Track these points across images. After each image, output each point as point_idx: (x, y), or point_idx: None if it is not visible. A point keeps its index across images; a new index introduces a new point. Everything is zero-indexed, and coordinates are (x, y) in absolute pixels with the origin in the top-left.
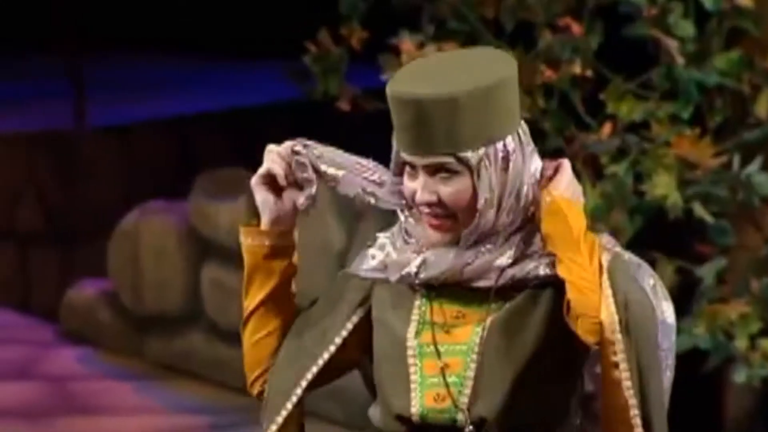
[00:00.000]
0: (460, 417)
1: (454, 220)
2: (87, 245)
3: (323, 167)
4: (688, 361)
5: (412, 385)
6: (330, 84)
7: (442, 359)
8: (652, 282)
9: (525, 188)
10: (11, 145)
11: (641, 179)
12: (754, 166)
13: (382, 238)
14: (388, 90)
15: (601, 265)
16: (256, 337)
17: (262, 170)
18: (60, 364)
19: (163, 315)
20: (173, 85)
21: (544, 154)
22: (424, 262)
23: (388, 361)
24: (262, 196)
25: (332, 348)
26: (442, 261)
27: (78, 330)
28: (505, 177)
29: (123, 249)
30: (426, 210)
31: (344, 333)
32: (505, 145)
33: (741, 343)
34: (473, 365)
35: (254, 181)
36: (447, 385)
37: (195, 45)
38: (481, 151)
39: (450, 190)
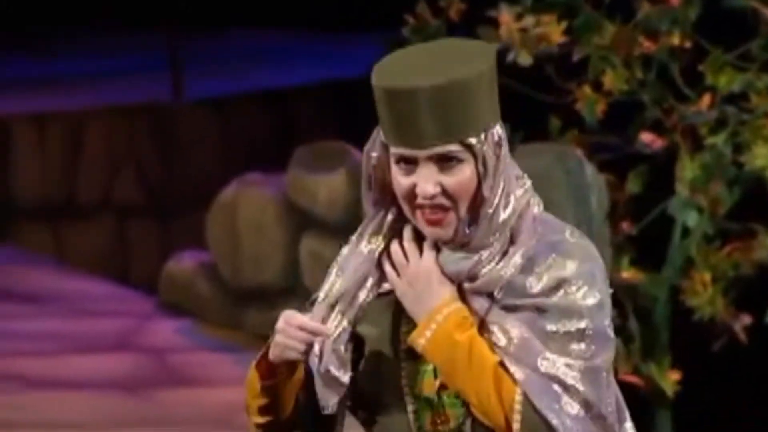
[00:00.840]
0: None
1: (454, 214)
2: (186, 217)
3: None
4: None
5: (408, 407)
6: None
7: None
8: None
9: (510, 184)
10: (110, 119)
11: (740, 150)
12: None
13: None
14: (382, 84)
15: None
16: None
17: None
18: (159, 336)
19: (262, 287)
20: (271, 58)
21: (643, 125)
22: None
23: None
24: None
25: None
26: (459, 266)
27: (177, 302)
28: (497, 164)
29: (221, 221)
30: (426, 203)
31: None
32: (497, 132)
33: None
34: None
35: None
36: (444, 408)
37: (293, 17)
38: (482, 136)
39: (455, 179)
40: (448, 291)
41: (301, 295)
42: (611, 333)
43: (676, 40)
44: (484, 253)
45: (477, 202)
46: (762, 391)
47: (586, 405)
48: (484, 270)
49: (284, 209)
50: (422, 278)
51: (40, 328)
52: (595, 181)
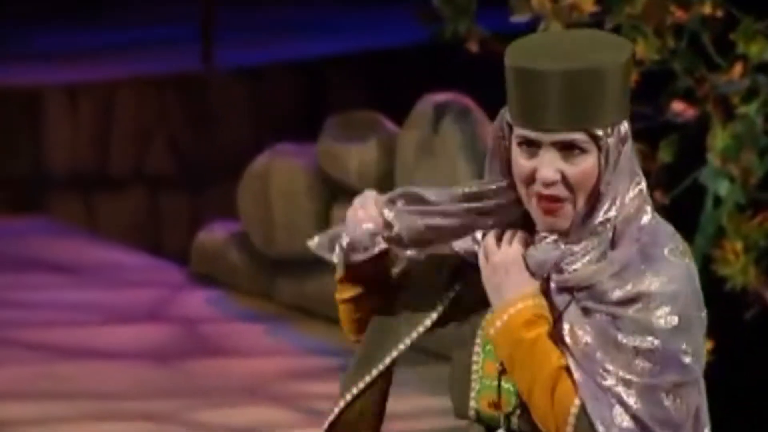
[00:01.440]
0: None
1: (571, 205)
2: (217, 187)
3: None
4: None
5: (473, 384)
6: (459, 26)
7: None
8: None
9: (628, 184)
10: (141, 89)
11: None
12: None
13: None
14: (515, 64)
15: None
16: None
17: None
18: (191, 306)
19: (294, 257)
20: (302, 28)
21: (675, 95)
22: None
23: (459, 349)
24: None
25: (427, 323)
26: (548, 255)
27: (209, 272)
28: (618, 160)
29: (253, 191)
30: (544, 191)
31: (440, 308)
32: (624, 127)
33: None
34: None
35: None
36: (500, 393)
37: None
38: (609, 129)
39: (576, 168)
40: (528, 285)
41: (332, 265)
42: (687, 360)
43: (707, 9)
44: (576, 248)
45: (594, 196)
46: None
47: (637, 421)
48: (576, 266)
49: (316, 179)
50: (505, 268)
51: (72, 299)
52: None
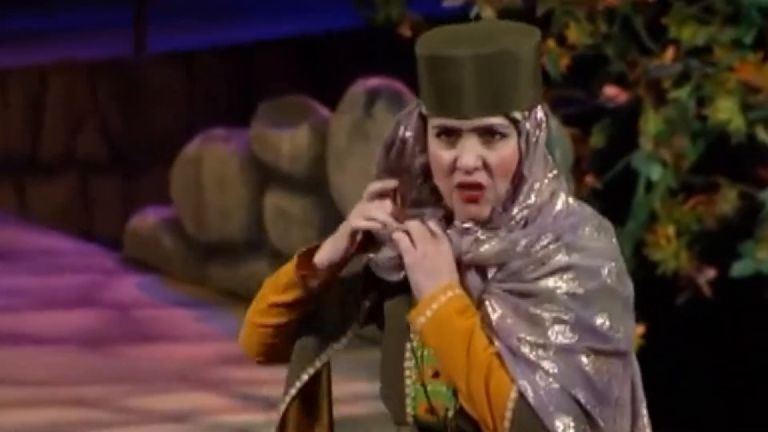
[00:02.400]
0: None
1: (492, 192)
2: (149, 172)
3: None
4: (750, 286)
5: (407, 390)
6: (392, 10)
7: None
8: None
9: (544, 170)
10: (73, 74)
11: (704, 104)
12: None
13: None
14: (427, 52)
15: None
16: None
17: (365, 223)
18: (123, 292)
19: (226, 242)
20: (235, 12)
21: (607, 79)
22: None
23: (388, 358)
24: (344, 243)
25: (343, 341)
26: (460, 242)
27: (141, 257)
28: (536, 145)
29: (185, 176)
30: (466, 179)
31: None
32: (539, 112)
33: None
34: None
35: (354, 226)
36: (428, 398)
37: None
38: (527, 113)
39: (498, 154)
40: (452, 275)
41: (265, 250)
42: (604, 329)
43: None
44: (491, 233)
45: (515, 182)
46: (726, 344)
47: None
48: (484, 247)
49: (248, 164)
50: (436, 255)
51: (4, 285)
52: (559, 135)
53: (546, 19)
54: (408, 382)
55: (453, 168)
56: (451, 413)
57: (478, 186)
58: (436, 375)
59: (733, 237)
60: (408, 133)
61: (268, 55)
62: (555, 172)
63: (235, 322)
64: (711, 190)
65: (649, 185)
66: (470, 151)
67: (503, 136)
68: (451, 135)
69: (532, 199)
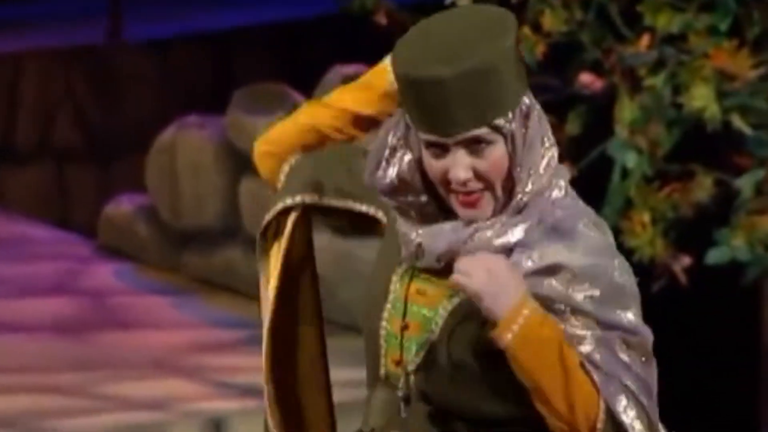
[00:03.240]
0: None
1: (490, 194)
2: (124, 160)
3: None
4: (726, 273)
5: (382, 342)
6: None
7: (406, 319)
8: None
9: (540, 153)
10: (48, 61)
11: (679, 91)
12: None
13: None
14: (403, 72)
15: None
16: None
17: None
18: (98, 279)
19: (202, 230)
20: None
21: (583, 66)
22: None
23: (368, 317)
24: None
25: None
26: (439, 241)
27: (116, 245)
28: (525, 135)
29: (160, 164)
30: (460, 188)
31: None
32: (525, 102)
33: None
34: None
35: None
36: (402, 350)
37: None
38: (510, 115)
39: (487, 162)
40: (522, 285)
41: (240, 237)
42: (627, 320)
43: None
44: (483, 224)
45: (509, 180)
46: (701, 330)
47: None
48: (478, 236)
49: (224, 151)
50: (498, 273)
51: None
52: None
53: (521, 7)
54: (383, 332)
55: (447, 178)
56: (411, 368)
57: (474, 191)
58: (405, 328)
59: (709, 224)
60: (398, 141)
61: (244, 43)
62: (553, 154)
63: (209, 310)
64: (686, 178)
65: (625, 172)
66: (459, 164)
67: (489, 142)
68: (438, 147)
69: (529, 187)
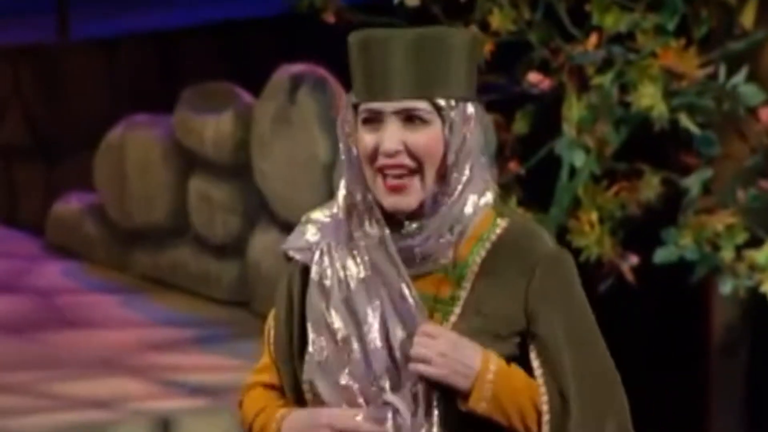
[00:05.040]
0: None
1: (419, 181)
2: (72, 159)
3: None
4: (674, 272)
5: None
6: None
7: None
8: None
9: (476, 177)
10: None
11: (627, 90)
12: (739, 77)
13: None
14: (358, 38)
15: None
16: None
17: None
18: (46, 278)
19: (150, 228)
20: None
21: (531, 65)
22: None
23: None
24: None
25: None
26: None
27: (64, 243)
28: (465, 140)
29: (108, 162)
30: (388, 161)
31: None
32: (470, 108)
33: (727, 254)
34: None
35: None
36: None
37: None
38: (453, 102)
39: (419, 137)
40: (478, 348)
41: (189, 236)
42: None
43: None
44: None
45: (441, 172)
46: (649, 330)
47: None
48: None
49: (171, 150)
50: (453, 351)
51: None
52: (483, 125)
53: (469, 5)
54: None
55: (376, 154)
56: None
57: (403, 168)
58: None
59: (656, 223)
60: (348, 129)
61: (192, 41)
62: (490, 197)
63: (158, 309)
64: (634, 177)
65: (572, 171)
66: (391, 135)
67: (425, 121)
68: (374, 121)
69: (466, 207)
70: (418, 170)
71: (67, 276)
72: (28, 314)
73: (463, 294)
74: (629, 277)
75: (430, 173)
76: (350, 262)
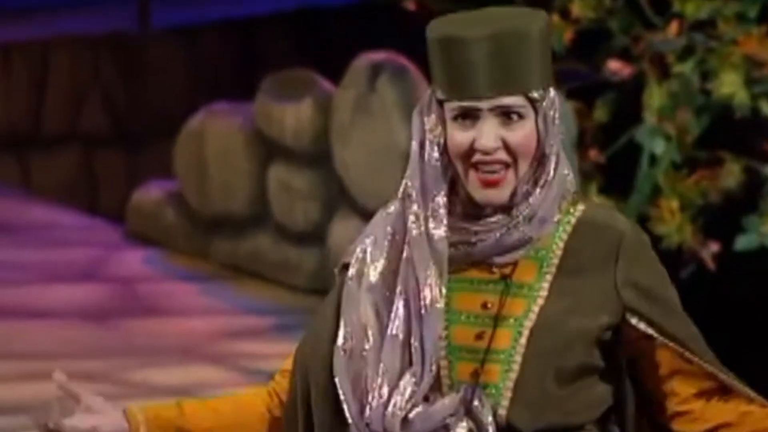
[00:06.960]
0: None
1: (513, 173)
2: (153, 147)
3: None
4: (755, 259)
5: None
6: None
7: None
8: None
9: (558, 152)
10: (77, 48)
11: (708, 78)
12: None
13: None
14: (441, 34)
15: None
16: None
17: None
18: (127, 266)
19: (230, 216)
20: None
21: (611, 53)
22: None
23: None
24: None
25: None
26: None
27: (144, 231)
28: (554, 127)
29: (189, 150)
30: (486, 159)
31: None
32: (551, 93)
33: None
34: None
35: None
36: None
37: None
38: (543, 92)
39: (517, 134)
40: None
41: (268, 224)
42: None
43: None
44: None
45: (533, 164)
46: (730, 317)
47: None
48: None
49: (251, 138)
50: None
51: (8, 258)
52: (563, 109)
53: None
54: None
55: (471, 151)
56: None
57: (499, 164)
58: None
59: (737, 211)
60: (430, 124)
61: (272, 29)
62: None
63: (237, 297)
64: (715, 164)
65: (653, 159)
66: (488, 132)
67: (521, 116)
68: (468, 117)
69: (551, 176)
70: (513, 163)
71: (146, 264)
72: (108, 302)
73: (548, 277)
74: (710, 264)
75: (524, 166)
76: (382, 259)
